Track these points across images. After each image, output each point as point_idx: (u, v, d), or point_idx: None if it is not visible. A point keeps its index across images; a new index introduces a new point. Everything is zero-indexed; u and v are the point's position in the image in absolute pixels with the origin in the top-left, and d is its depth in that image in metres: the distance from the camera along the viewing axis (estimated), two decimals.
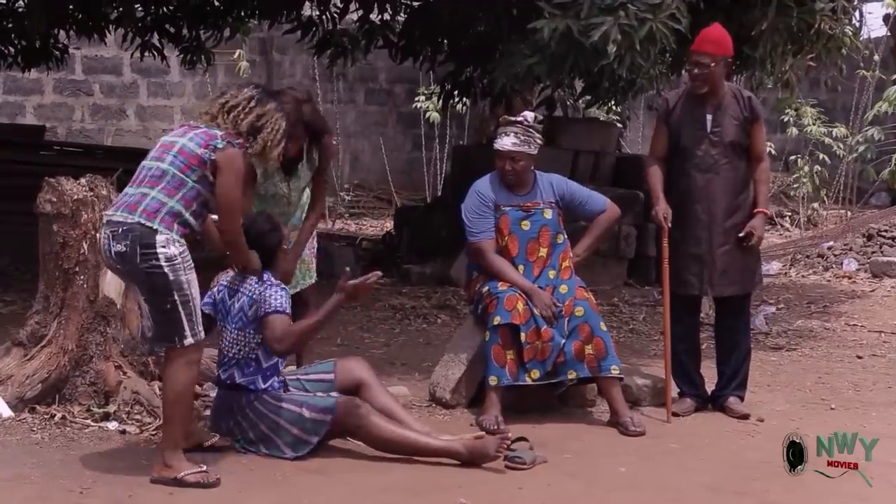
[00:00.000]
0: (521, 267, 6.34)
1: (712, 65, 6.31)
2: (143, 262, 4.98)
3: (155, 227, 4.97)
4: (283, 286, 5.52)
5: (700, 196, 6.39)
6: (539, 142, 6.38)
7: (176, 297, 4.99)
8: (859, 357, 8.22)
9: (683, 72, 10.91)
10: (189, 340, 5.04)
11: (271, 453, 5.41)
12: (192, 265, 5.06)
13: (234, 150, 5.11)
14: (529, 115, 6.43)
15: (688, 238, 6.40)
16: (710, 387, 6.67)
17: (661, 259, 6.39)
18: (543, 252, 6.38)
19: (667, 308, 6.39)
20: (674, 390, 6.56)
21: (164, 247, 4.97)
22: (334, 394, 5.51)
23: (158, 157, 5.15)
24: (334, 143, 6.21)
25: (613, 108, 14.40)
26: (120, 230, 5.01)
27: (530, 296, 6.22)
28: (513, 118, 6.40)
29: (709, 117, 6.40)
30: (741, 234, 6.36)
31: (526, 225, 6.37)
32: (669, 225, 6.32)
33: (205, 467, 5.09)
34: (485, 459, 5.35)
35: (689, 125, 6.41)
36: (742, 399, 6.57)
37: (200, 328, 5.10)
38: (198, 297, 5.12)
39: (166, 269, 4.97)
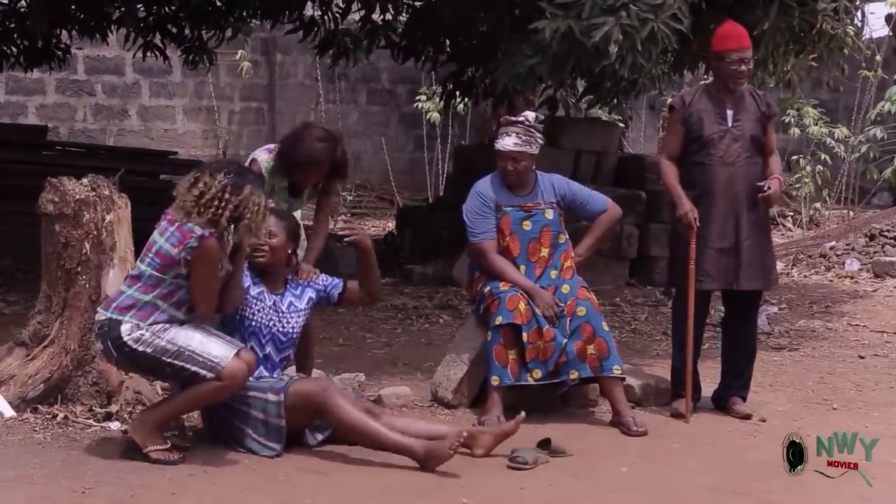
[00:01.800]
0: (522, 267, 6.35)
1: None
2: (118, 351, 5.29)
3: (121, 319, 5.25)
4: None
5: (724, 190, 6.39)
6: (540, 142, 6.39)
7: (168, 360, 5.26)
8: (861, 357, 8.22)
9: (685, 71, 10.96)
10: (210, 375, 5.23)
11: (251, 449, 5.44)
12: (168, 326, 5.26)
13: (206, 243, 5.21)
14: (530, 114, 6.43)
15: (715, 232, 6.38)
16: (710, 386, 6.67)
17: (689, 259, 6.32)
18: (545, 252, 6.39)
19: (691, 306, 6.37)
20: (672, 388, 6.58)
21: (129, 334, 5.25)
22: (295, 375, 5.58)
23: (141, 257, 5.39)
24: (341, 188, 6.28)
25: (616, 107, 14.38)
26: (97, 329, 5.40)
27: (532, 296, 6.22)
28: (514, 118, 6.41)
29: (730, 112, 6.45)
30: (759, 184, 6.35)
31: (527, 225, 6.37)
32: (698, 224, 6.33)
33: (169, 444, 5.32)
34: (439, 461, 5.28)
35: (711, 120, 6.44)
36: (745, 399, 6.57)
37: (218, 359, 5.24)
38: (193, 339, 5.26)
39: (140, 348, 5.25)
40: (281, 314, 5.71)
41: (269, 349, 5.66)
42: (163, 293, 5.27)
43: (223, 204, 5.22)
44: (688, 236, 6.33)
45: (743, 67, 6.42)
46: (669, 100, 6.69)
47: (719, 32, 6.58)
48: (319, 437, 5.59)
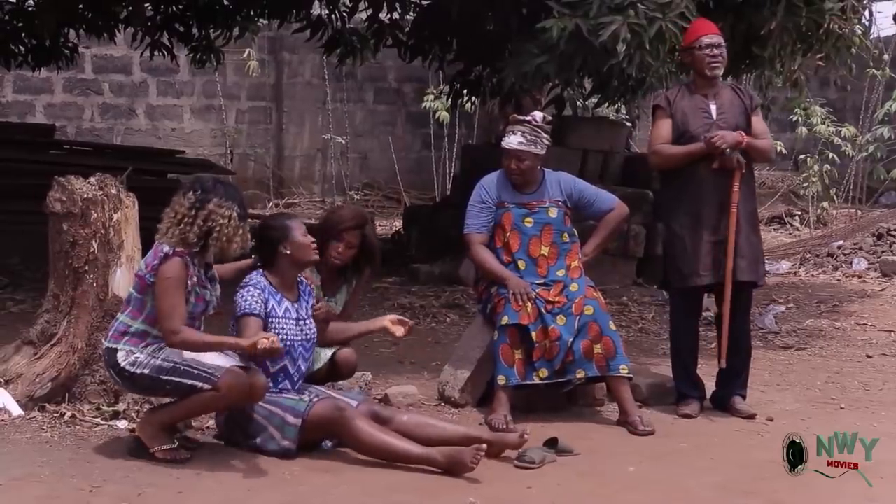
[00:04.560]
0: (522, 262, 6.36)
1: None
2: (121, 378, 5.37)
3: (117, 347, 5.31)
4: (256, 286, 5.54)
5: (716, 184, 6.38)
6: (546, 142, 6.39)
7: (165, 377, 5.29)
8: (869, 356, 8.21)
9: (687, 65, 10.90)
10: (206, 386, 5.25)
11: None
12: (163, 345, 5.29)
13: (169, 261, 5.26)
14: (538, 114, 6.44)
15: (708, 227, 6.38)
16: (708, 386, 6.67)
17: (732, 204, 6.31)
18: (545, 250, 6.39)
19: (728, 290, 6.37)
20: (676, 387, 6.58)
21: (125, 359, 5.30)
22: (315, 393, 5.56)
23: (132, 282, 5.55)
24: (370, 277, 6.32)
25: (623, 107, 14.37)
26: (103, 360, 5.54)
27: (505, 281, 6.24)
28: (521, 117, 6.42)
29: (713, 106, 6.45)
30: (706, 135, 6.32)
31: (529, 222, 6.38)
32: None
33: (176, 444, 5.36)
34: (462, 469, 5.25)
35: (696, 116, 6.44)
36: (744, 398, 6.57)
37: (213, 369, 5.26)
38: (189, 354, 5.28)
39: (138, 371, 5.30)
40: (302, 322, 5.67)
41: (300, 363, 5.64)
42: (149, 317, 5.31)
43: (191, 221, 5.29)
44: (732, 178, 6.32)
45: (716, 51, 6.44)
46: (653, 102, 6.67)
47: (688, 30, 6.72)
48: (330, 443, 5.60)
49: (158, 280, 5.24)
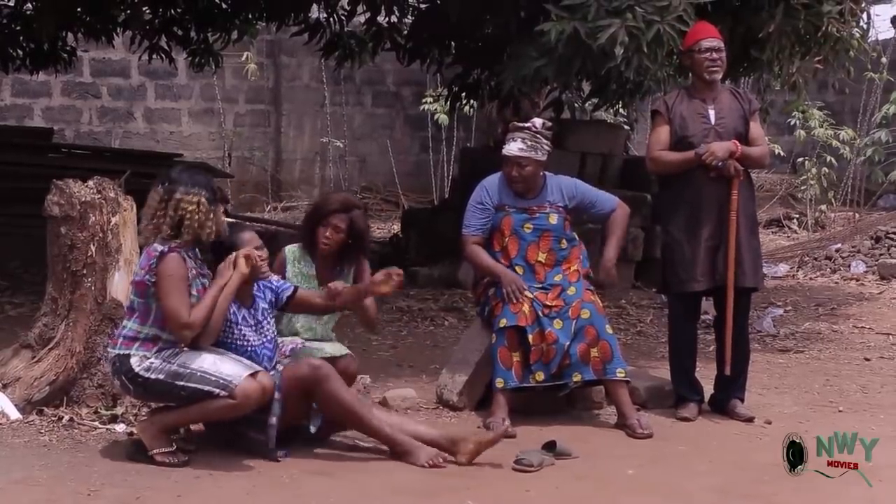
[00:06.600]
0: (520, 268, 6.36)
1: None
2: (133, 384, 5.32)
3: (129, 353, 5.27)
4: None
5: (714, 188, 6.38)
6: (547, 148, 6.39)
7: (180, 383, 5.26)
8: (867, 359, 8.21)
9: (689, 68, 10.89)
10: (223, 393, 5.24)
11: (249, 448, 5.45)
12: (178, 350, 5.28)
13: (165, 258, 5.25)
14: (538, 121, 6.45)
15: (705, 230, 6.38)
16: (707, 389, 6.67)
17: (731, 212, 6.31)
18: (542, 257, 6.39)
19: (730, 299, 6.37)
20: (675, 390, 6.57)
21: (139, 364, 5.26)
22: (280, 366, 5.58)
23: (130, 289, 5.52)
24: (368, 267, 6.17)
25: (621, 110, 14.37)
26: (111, 367, 5.46)
27: (499, 277, 6.25)
28: (521, 124, 6.42)
29: (711, 111, 6.45)
30: (697, 150, 6.32)
31: (528, 228, 6.38)
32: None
33: (175, 447, 5.34)
34: (413, 461, 5.35)
35: (694, 120, 6.44)
36: (743, 401, 6.56)
37: (230, 377, 5.25)
38: (205, 361, 5.28)
39: (153, 376, 5.26)
40: (258, 326, 5.61)
41: (264, 363, 5.57)
42: (157, 321, 5.29)
43: (161, 215, 5.30)
44: (731, 185, 6.32)
45: (714, 55, 6.45)
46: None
47: (688, 32, 6.73)
48: (317, 423, 5.57)
49: (159, 279, 5.22)
